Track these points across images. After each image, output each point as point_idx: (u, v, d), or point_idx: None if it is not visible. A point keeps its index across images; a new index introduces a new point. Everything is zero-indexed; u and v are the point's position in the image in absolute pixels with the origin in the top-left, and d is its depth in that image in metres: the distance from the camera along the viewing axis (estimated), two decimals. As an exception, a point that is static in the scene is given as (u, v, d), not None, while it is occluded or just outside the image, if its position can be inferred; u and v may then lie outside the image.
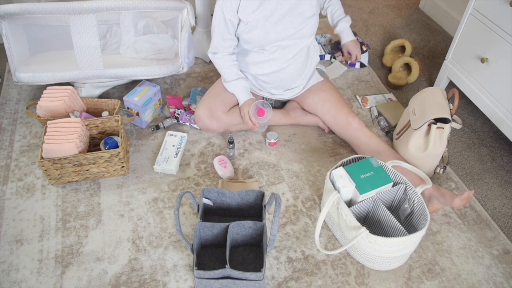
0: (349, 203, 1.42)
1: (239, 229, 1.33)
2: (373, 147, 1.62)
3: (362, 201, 1.36)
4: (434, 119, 1.52)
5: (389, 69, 2.21)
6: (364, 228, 1.26)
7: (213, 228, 1.31)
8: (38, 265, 1.35)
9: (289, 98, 1.79)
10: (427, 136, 1.55)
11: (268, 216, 1.50)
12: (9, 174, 1.61)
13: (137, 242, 1.42)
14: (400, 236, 1.29)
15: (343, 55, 1.96)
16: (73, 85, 1.81)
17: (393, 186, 1.41)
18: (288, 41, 1.55)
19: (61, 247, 1.40)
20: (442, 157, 1.63)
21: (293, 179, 1.64)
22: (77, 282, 1.31)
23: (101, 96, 1.92)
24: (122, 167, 1.58)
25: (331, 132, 1.82)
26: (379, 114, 1.93)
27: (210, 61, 2.17)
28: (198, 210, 1.37)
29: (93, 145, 1.68)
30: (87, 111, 1.76)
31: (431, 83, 2.15)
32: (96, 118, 1.62)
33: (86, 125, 1.61)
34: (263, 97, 1.82)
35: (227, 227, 1.30)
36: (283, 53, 1.58)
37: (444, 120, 1.52)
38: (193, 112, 1.84)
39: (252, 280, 1.20)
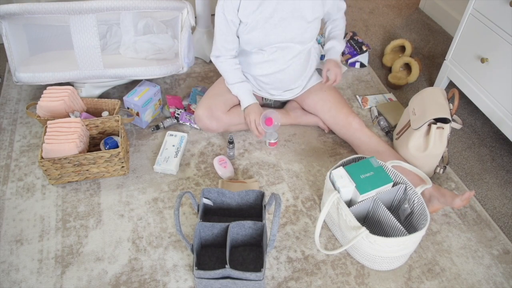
0: (349, 203, 1.42)
1: (239, 229, 1.33)
2: (373, 147, 1.62)
3: (362, 201, 1.36)
4: (434, 119, 1.52)
5: (389, 69, 2.21)
6: (364, 228, 1.26)
7: (213, 228, 1.31)
8: (38, 265, 1.35)
9: (289, 98, 1.79)
10: (427, 136, 1.55)
11: (268, 216, 1.50)
12: (9, 174, 1.61)
13: (137, 242, 1.42)
14: (400, 236, 1.29)
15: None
16: (73, 85, 1.81)
17: (393, 186, 1.41)
18: (288, 43, 1.55)
19: (61, 247, 1.40)
20: (442, 157, 1.63)
21: (293, 179, 1.64)
22: (77, 282, 1.31)
23: (101, 96, 1.92)
24: (122, 167, 1.58)
25: (331, 132, 1.82)
26: (379, 114, 1.93)
27: (210, 61, 2.17)
28: (198, 210, 1.37)
29: (93, 145, 1.68)
30: (87, 111, 1.76)
31: (431, 83, 2.15)
32: (96, 118, 1.62)
33: (86, 125, 1.61)
34: (262, 98, 1.82)
35: (227, 227, 1.30)
36: (282, 54, 1.58)
37: (444, 120, 1.52)
38: (193, 112, 1.84)
39: (252, 280, 1.20)
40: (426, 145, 1.55)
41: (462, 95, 2.05)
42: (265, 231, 1.32)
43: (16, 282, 1.30)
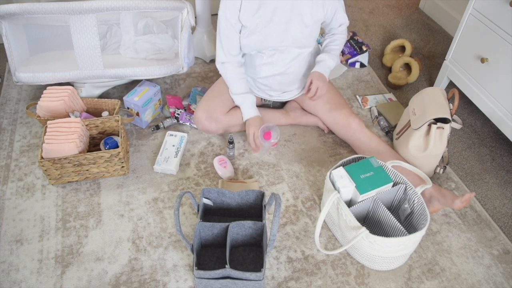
0: (349, 203, 1.42)
1: (239, 229, 1.33)
2: (373, 148, 1.62)
3: (362, 201, 1.36)
4: (434, 119, 1.52)
5: (389, 69, 2.21)
6: (364, 228, 1.26)
7: (213, 228, 1.31)
8: (38, 265, 1.35)
9: (287, 99, 1.79)
10: (427, 136, 1.55)
11: (268, 216, 1.50)
12: (9, 174, 1.61)
13: (137, 242, 1.42)
14: (400, 236, 1.29)
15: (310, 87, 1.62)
16: (73, 85, 1.81)
17: (393, 186, 1.41)
18: (287, 47, 1.55)
19: (61, 247, 1.40)
20: (442, 157, 1.63)
21: (293, 179, 1.64)
22: (77, 282, 1.31)
23: (101, 96, 1.92)
24: (122, 167, 1.58)
25: (330, 132, 1.82)
26: (379, 114, 1.93)
27: (210, 61, 2.17)
28: (198, 210, 1.37)
29: (93, 145, 1.68)
30: (87, 111, 1.76)
31: (431, 83, 2.15)
32: (96, 118, 1.62)
33: (86, 125, 1.61)
34: (261, 98, 1.81)
35: (227, 227, 1.30)
36: (282, 56, 1.57)
37: (444, 120, 1.52)
38: (193, 112, 1.84)
39: (252, 280, 1.20)
40: (426, 145, 1.55)
41: (462, 95, 2.05)
42: (265, 231, 1.32)
43: (16, 282, 1.30)
